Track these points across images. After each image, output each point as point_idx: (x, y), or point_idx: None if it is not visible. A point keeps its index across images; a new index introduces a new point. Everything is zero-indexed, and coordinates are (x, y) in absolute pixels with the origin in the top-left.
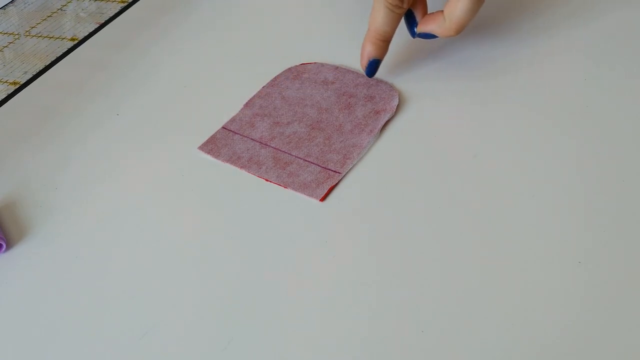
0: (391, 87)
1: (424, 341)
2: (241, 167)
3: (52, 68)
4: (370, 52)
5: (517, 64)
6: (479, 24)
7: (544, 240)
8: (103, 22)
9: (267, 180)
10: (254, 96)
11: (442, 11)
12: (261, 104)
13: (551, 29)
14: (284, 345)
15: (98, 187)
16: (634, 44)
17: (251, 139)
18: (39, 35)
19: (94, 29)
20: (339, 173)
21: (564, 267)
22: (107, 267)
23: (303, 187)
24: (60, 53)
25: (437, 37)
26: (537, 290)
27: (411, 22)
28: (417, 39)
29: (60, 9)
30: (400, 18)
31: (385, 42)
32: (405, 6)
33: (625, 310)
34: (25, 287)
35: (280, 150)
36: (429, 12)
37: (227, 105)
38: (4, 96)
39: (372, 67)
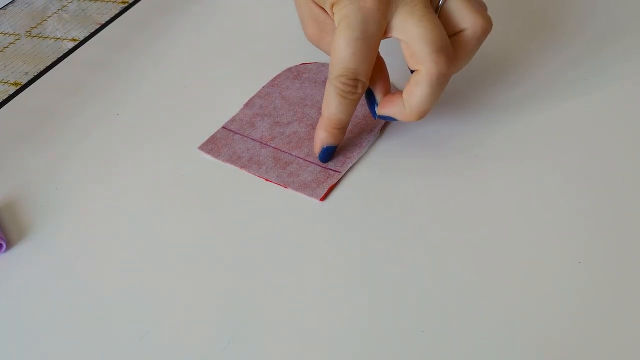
0: (391, 87)
1: (424, 341)
2: (241, 167)
3: (53, 69)
4: (324, 139)
5: (518, 60)
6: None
7: (544, 240)
8: (103, 22)
9: (267, 180)
10: (254, 96)
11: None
12: (261, 104)
13: (552, 28)
14: (283, 345)
15: (98, 187)
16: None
17: (251, 138)
18: (40, 35)
19: (94, 29)
20: (339, 172)
21: (564, 267)
22: (107, 267)
23: (303, 187)
24: (61, 54)
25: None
26: (537, 290)
27: (372, 102)
28: None
29: (61, 9)
30: (356, 104)
31: (340, 130)
32: (360, 91)
33: (625, 310)
34: (25, 287)
35: (281, 150)
36: (396, 87)
37: (227, 105)
38: (5, 97)
39: (327, 153)
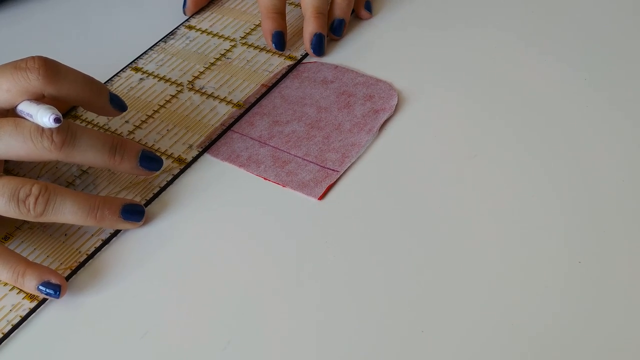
0: (390, 87)
1: (424, 341)
2: (240, 166)
3: None
4: (270, 26)
5: (518, 61)
6: (476, 16)
7: (544, 240)
8: None
9: (265, 179)
10: (253, 94)
11: None
12: (260, 103)
13: (551, 29)
14: (283, 346)
15: (97, 187)
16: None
17: (250, 137)
18: None
19: None
20: (338, 172)
21: (564, 267)
22: (107, 267)
23: (302, 186)
24: None
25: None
26: (537, 290)
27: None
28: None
29: None
30: None
31: (279, 14)
32: None
33: (625, 310)
34: None
35: (279, 149)
36: None
37: (226, 104)
38: None
39: (278, 38)
